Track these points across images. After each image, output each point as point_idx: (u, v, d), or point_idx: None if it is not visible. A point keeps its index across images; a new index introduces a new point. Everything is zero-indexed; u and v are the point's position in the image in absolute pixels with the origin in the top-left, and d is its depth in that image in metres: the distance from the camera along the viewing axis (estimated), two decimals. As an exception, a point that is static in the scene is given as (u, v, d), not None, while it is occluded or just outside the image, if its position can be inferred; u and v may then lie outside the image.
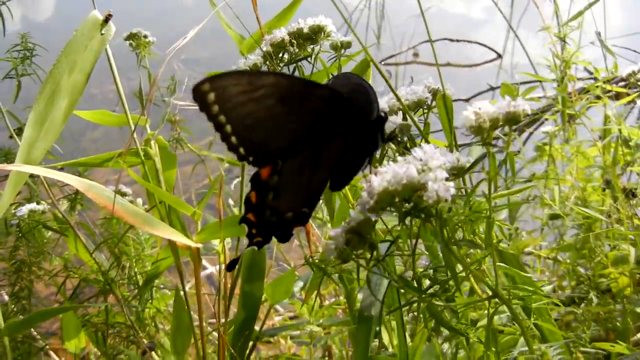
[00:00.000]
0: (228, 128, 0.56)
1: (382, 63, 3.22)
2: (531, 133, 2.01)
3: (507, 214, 1.23)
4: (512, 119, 0.46)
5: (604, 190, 1.23)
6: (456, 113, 0.70)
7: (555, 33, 1.30)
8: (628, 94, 1.25)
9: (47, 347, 1.29)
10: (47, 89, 0.87)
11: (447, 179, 0.44)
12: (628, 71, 1.27)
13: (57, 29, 3.84)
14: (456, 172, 0.49)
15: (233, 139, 0.56)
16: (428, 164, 0.45)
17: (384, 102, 0.66)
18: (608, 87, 1.24)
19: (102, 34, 0.92)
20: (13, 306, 1.20)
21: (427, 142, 0.65)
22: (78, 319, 1.14)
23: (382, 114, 0.60)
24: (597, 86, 1.24)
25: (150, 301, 1.18)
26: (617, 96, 1.36)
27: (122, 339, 1.17)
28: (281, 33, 0.76)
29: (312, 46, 0.77)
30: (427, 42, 3.09)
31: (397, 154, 0.64)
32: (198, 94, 0.54)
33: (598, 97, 1.24)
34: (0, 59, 1.15)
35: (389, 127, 0.62)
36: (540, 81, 1.64)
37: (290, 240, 0.65)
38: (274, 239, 0.64)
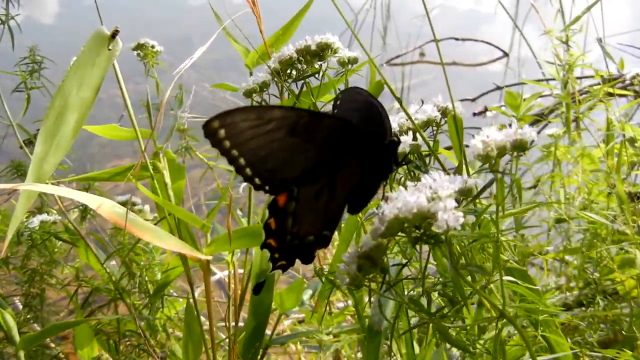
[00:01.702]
0: (241, 161, 0.56)
1: (388, 63, 3.22)
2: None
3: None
4: (519, 147, 0.47)
5: (609, 194, 1.23)
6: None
7: (557, 36, 1.30)
8: (637, 94, 1.25)
9: (60, 353, 1.31)
10: (56, 105, 0.87)
11: (456, 208, 0.45)
12: (632, 74, 1.27)
13: (62, 27, 3.85)
14: (464, 196, 0.50)
15: (247, 170, 0.57)
16: (438, 192, 0.45)
17: (394, 121, 0.66)
18: (611, 91, 1.25)
19: (109, 50, 0.92)
20: (26, 314, 1.21)
21: (438, 160, 0.66)
22: (90, 327, 1.16)
23: (395, 139, 0.61)
24: (599, 89, 1.24)
25: (161, 309, 1.19)
26: (623, 95, 1.37)
27: (134, 347, 1.18)
28: (289, 50, 0.76)
29: (319, 63, 0.77)
30: (432, 42, 3.09)
31: (408, 173, 0.65)
32: (209, 131, 0.54)
33: (601, 100, 1.24)
34: (10, 73, 1.16)
35: (400, 147, 0.62)
36: (545, 86, 1.64)
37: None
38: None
